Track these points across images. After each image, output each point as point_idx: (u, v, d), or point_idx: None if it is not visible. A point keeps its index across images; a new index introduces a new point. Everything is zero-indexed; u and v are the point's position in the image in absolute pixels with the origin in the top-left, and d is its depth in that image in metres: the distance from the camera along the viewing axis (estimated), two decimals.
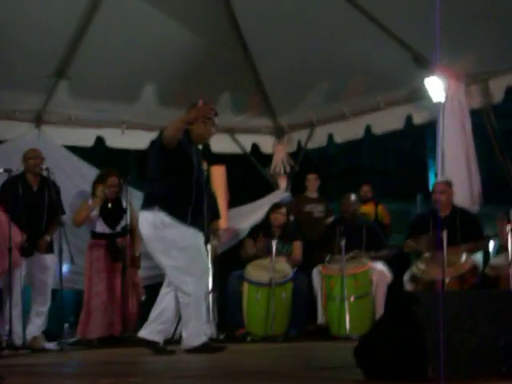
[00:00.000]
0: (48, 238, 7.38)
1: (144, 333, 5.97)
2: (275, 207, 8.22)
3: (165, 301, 5.95)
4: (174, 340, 6.94)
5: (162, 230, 5.75)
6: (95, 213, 7.55)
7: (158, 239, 5.81)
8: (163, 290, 6.00)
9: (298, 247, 8.11)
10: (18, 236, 6.88)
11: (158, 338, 5.94)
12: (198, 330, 5.86)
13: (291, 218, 8.87)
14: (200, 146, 6.21)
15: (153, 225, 5.78)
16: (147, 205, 5.84)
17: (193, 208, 5.81)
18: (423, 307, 3.55)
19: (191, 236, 5.82)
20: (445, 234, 6.74)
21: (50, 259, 7.44)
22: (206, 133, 6.03)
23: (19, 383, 4.31)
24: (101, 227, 7.61)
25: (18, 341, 7.05)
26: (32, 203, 7.28)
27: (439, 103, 7.74)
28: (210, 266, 6.73)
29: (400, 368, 3.50)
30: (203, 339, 5.89)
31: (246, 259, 8.00)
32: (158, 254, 5.87)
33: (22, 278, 7.25)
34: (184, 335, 5.91)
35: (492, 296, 3.98)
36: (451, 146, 7.60)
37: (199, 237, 5.90)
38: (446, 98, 7.63)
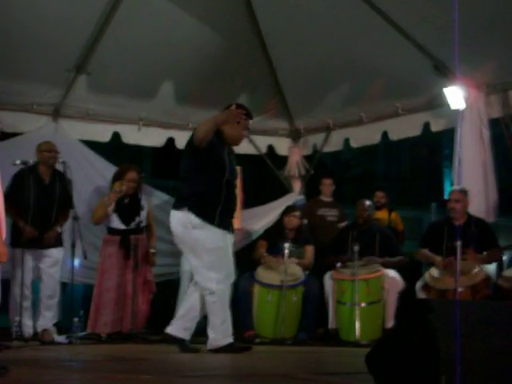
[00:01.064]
0: (58, 229, 7.39)
1: (171, 329, 6.06)
2: (289, 210, 8.22)
3: (192, 299, 6.04)
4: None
5: (190, 230, 5.84)
6: (111, 208, 7.54)
7: (186, 239, 5.92)
8: (191, 288, 6.10)
9: (309, 251, 8.10)
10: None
11: (184, 335, 6.03)
12: (225, 329, 5.92)
13: (305, 221, 8.86)
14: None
15: (182, 224, 5.87)
16: (178, 205, 5.94)
17: (221, 209, 5.88)
18: (437, 315, 3.53)
19: (218, 237, 5.89)
20: (459, 244, 6.71)
21: (58, 252, 7.46)
22: (237, 135, 6.09)
23: (27, 375, 4.31)
24: (116, 223, 7.61)
25: (28, 332, 7.07)
26: (43, 195, 7.30)
27: (458, 111, 7.71)
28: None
29: (413, 377, 3.48)
30: (229, 340, 5.93)
31: (258, 261, 7.98)
32: (187, 253, 6.05)
33: (31, 271, 7.29)
34: (210, 335, 5.94)
35: (506, 308, 3.95)
36: (469, 155, 7.57)
37: (226, 238, 5.97)
38: (466, 106, 7.60)
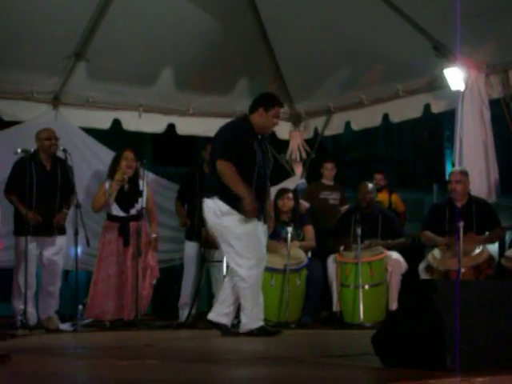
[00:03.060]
0: (66, 211, 7.39)
1: (212, 315, 6.22)
2: (282, 192, 8.14)
3: (229, 285, 6.16)
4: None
5: (221, 218, 5.94)
6: (112, 196, 7.53)
7: (217, 226, 6.02)
8: (229, 275, 6.25)
9: (310, 231, 8.06)
10: None
11: (225, 321, 6.17)
12: (256, 313, 6.05)
13: (307, 204, 8.85)
14: None
15: (213, 212, 5.98)
16: (209, 194, 6.03)
17: None
18: (441, 295, 3.54)
19: (248, 224, 5.94)
20: (461, 224, 6.72)
21: (61, 240, 7.46)
22: (268, 122, 6.11)
23: (33, 364, 4.32)
24: (115, 210, 7.60)
25: (32, 321, 7.09)
26: (45, 183, 7.29)
27: (458, 92, 7.70)
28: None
29: (418, 356, 3.49)
30: (260, 323, 6.06)
31: None
32: (220, 241, 6.11)
33: (35, 259, 7.29)
34: (243, 320, 6.09)
35: (510, 287, 3.96)
36: (469, 135, 7.56)
37: (257, 225, 6.03)
38: (466, 87, 7.60)
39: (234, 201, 5.88)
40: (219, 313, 6.19)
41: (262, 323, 6.08)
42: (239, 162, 5.89)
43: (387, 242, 7.74)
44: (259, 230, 6.05)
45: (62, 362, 4.50)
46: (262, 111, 6.03)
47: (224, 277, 7.59)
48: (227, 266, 7.59)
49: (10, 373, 3.85)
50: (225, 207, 5.91)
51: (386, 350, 3.68)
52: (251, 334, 5.98)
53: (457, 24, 6.19)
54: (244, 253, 5.94)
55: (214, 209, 5.96)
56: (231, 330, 6.19)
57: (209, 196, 6.02)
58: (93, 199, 7.76)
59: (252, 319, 6.03)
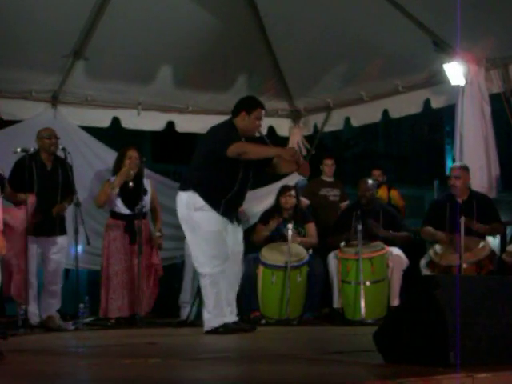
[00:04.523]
0: (66, 205, 7.37)
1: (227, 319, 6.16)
2: (284, 190, 8.14)
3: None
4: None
5: (193, 212, 5.98)
6: (116, 190, 7.52)
7: (187, 219, 6.06)
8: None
9: (312, 228, 8.06)
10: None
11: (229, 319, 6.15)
12: (218, 311, 6.03)
13: (307, 201, 8.84)
14: None
15: (186, 205, 6.03)
16: (185, 186, 6.08)
17: (227, 201, 6.00)
18: (443, 291, 3.54)
19: (219, 222, 6.00)
20: (462, 220, 6.72)
21: (62, 240, 7.45)
22: (251, 125, 6.13)
23: (35, 363, 4.32)
24: (120, 208, 7.60)
25: (34, 320, 7.08)
26: (46, 182, 7.29)
27: (458, 87, 7.68)
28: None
29: (421, 352, 3.48)
30: (222, 320, 6.02)
31: (258, 244, 7.95)
32: (187, 235, 6.15)
33: (36, 258, 7.27)
34: (204, 316, 6.11)
35: (511, 282, 3.95)
36: (470, 130, 7.55)
37: (228, 226, 6.09)
38: (466, 82, 7.58)
39: (208, 197, 5.94)
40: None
41: (224, 320, 6.06)
42: (226, 162, 5.90)
43: (389, 231, 7.73)
44: (228, 230, 6.10)
45: (64, 361, 4.49)
46: (244, 115, 6.08)
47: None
48: None
49: (12, 372, 3.84)
50: (199, 202, 5.94)
51: (388, 346, 3.68)
52: (215, 331, 5.98)
53: (457, 19, 6.18)
54: (209, 250, 5.99)
55: (187, 201, 6.00)
56: (241, 326, 6.30)
57: (184, 189, 6.07)
58: (96, 195, 7.75)
59: (214, 316, 6.03)
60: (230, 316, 6.17)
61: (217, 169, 5.96)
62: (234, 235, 6.23)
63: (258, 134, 9.31)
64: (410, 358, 3.52)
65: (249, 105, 6.14)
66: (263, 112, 6.20)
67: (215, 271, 5.98)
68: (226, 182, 5.98)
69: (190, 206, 5.98)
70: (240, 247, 6.39)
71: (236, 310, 6.36)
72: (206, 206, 5.93)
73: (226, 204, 6.00)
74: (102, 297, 7.54)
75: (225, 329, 5.97)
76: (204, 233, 5.96)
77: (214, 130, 6.22)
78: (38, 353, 5.04)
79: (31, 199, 6.94)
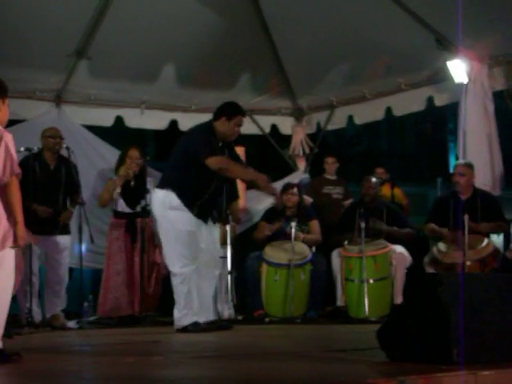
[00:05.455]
0: (72, 210, 7.39)
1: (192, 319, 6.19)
2: (287, 188, 8.15)
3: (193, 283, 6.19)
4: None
5: (167, 211, 6.09)
6: (118, 191, 7.54)
7: (161, 217, 6.20)
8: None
9: (315, 226, 8.06)
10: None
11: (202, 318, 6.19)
12: (187, 309, 6.10)
13: (310, 199, 8.84)
14: None
15: (161, 203, 6.14)
16: (162, 185, 6.21)
17: (202, 203, 6.11)
18: (447, 289, 3.54)
19: (192, 222, 6.10)
20: (466, 217, 6.72)
21: (65, 239, 7.46)
22: (229, 131, 6.24)
23: (40, 361, 4.33)
24: (122, 206, 7.61)
25: (37, 319, 7.09)
26: (49, 181, 7.30)
27: (461, 85, 7.68)
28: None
29: (424, 350, 3.49)
30: (192, 319, 6.09)
31: (261, 242, 7.95)
32: (160, 232, 6.28)
33: (38, 257, 7.29)
34: (175, 315, 6.17)
35: None
36: (473, 128, 7.54)
37: (200, 226, 6.17)
38: (469, 80, 7.57)
39: (184, 197, 6.04)
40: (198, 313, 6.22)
41: (195, 319, 6.10)
42: (203, 167, 5.98)
43: (393, 228, 7.73)
44: (202, 231, 6.17)
45: (68, 360, 4.50)
46: (224, 120, 6.18)
47: (229, 273, 7.64)
48: (231, 263, 7.65)
49: (17, 371, 3.86)
50: (175, 201, 6.05)
51: (392, 343, 3.69)
52: (185, 330, 6.04)
53: (459, 16, 6.18)
54: (181, 250, 6.08)
55: (163, 199, 6.11)
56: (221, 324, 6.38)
57: (161, 187, 6.20)
58: (99, 195, 7.78)
59: (184, 315, 6.09)
60: (206, 315, 6.23)
61: (194, 171, 6.06)
62: (210, 235, 6.31)
63: (260, 132, 9.43)
64: (414, 356, 3.52)
65: (230, 111, 6.24)
66: (243, 119, 6.31)
67: (185, 270, 6.07)
68: (201, 185, 6.09)
69: (165, 205, 6.09)
70: (217, 248, 6.54)
71: (214, 309, 6.51)
72: (181, 206, 6.04)
73: (201, 206, 6.10)
74: (101, 296, 7.53)
75: (194, 327, 6.03)
76: (177, 232, 6.06)
77: (195, 131, 6.37)
78: (42, 351, 5.06)
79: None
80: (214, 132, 6.18)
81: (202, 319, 6.13)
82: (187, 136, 6.41)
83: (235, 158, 6.39)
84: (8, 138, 4.09)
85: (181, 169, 6.14)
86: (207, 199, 6.11)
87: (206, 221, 6.20)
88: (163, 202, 6.11)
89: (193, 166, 6.06)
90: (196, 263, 6.13)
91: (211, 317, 6.31)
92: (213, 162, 5.96)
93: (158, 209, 6.19)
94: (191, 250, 6.09)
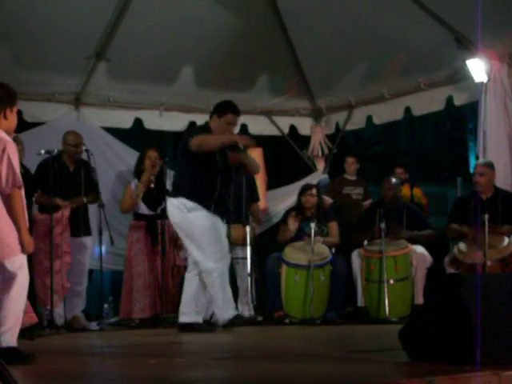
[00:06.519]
0: (84, 200, 7.39)
1: (183, 318, 6.33)
2: (305, 189, 8.13)
3: (192, 282, 6.33)
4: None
5: (186, 214, 6.18)
6: (139, 198, 7.57)
7: (182, 222, 6.26)
8: (190, 273, 6.38)
9: (334, 228, 8.04)
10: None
11: (197, 319, 6.33)
12: (226, 305, 6.25)
13: (330, 200, 8.83)
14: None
15: (178, 208, 6.22)
16: (174, 193, 6.32)
17: (215, 201, 6.20)
18: (468, 289, 3.52)
19: (212, 219, 6.20)
20: (486, 217, 6.68)
21: (87, 241, 7.48)
22: (219, 129, 6.30)
23: (61, 363, 4.35)
24: (142, 209, 7.63)
25: (59, 320, 7.11)
26: (69, 184, 7.32)
27: (481, 84, 7.63)
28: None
29: (446, 351, 3.47)
30: (232, 313, 6.24)
31: (284, 244, 7.93)
32: (184, 239, 6.36)
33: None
34: (216, 312, 6.35)
35: None
36: (493, 127, 7.49)
37: (220, 224, 6.30)
38: (489, 79, 7.53)
39: (198, 198, 6.15)
40: (191, 312, 6.31)
41: (234, 313, 6.25)
42: (205, 163, 6.14)
43: (413, 232, 7.70)
44: (221, 227, 6.32)
45: (90, 361, 4.52)
46: (215, 117, 6.30)
47: (248, 274, 7.63)
48: (251, 263, 7.63)
49: (39, 372, 3.87)
50: (190, 204, 6.15)
51: (414, 344, 3.67)
52: (231, 324, 6.16)
53: (478, 15, 6.14)
54: (209, 246, 6.15)
55: (178, 206, 6.20)
56: (205, 328, 6.35)
57: (174, 195, 6.29)
58: (120, 201, 7.81)
59: (225, 310, 6.23)
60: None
61: (196, 170, 6.18)
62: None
63: (279, 133, 9.41)
64: (436, 357, 3.51)
65: (220, 109, 6.33)
66: (236, 118, 6.37)
67: (219, 265, 6.15)
68: (208, 185, 6.18)
69: (182, 209, 6.18)
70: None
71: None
72: (198, 206, 6.15)
73: (216, 204, 6.20)
74: (122, 298, 7.56)
75: (235, 321, 6.21)
76: (200, 230, 6.14)
77: (190, 132, 6.62)
78: (64, 353, 5.08)
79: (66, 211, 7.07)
80: (209, 131, 6.27)
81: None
82: (183, 139, 6.48)
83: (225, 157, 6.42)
84: (11, 149, 4.15)
85: (185, 176, 6.25)
86: (218, 198, 6.21)
87: (223, 217, 6.32)
88: (179, 208, 6.19)
89: (193, 164, 6.18)
90: (227, 258, 6.30)
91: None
92: (192, 143, 6.07)
93: (177, 214, 6.25)
94: (218, 245, 6.20)
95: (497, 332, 3.46)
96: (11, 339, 4.11)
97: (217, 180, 6.18)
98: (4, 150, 4.10)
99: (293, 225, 7.91)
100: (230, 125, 6.31)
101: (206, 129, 6.31)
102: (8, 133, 4.28)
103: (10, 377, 2.79)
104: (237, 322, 6.14)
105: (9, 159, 4.11)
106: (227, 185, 6.33)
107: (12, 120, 4.34)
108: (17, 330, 4.17)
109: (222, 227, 6.33)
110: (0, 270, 4.11)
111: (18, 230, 4.17)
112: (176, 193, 6.28)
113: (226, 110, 6.29)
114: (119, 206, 7.82)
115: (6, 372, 2.80)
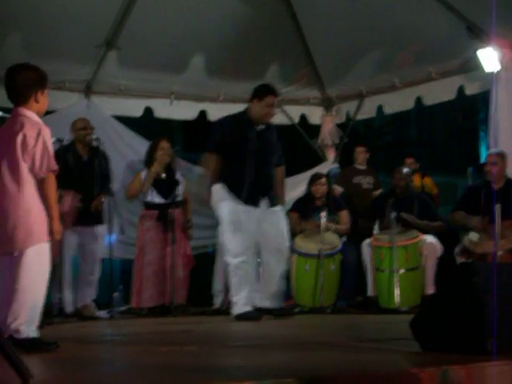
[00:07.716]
0: (103, 199, 7.39)
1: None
2: (315, 178, 8.13)
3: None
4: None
5: (217, 203, 6.43)
6: (146, 186, 7.57)
7: (215, 212, 6.50)
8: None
9: (345, 216, 8.04)
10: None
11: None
12: (239, 299, 6.34)
13: (340, 189, 8.81)
14: None
15: (212, 198, 6.45)
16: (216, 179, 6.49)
17: (248, 187, 6.36)
18: (480, 278, 3.51)
19: (239, 211, 6.33)
20: (498, 207, 6.65)
21: (100, 229, 7.48)
22: (261, 112, 6.51)
23: (72, 351, 4.35)
24: (153, 197, 7.63)
25: (68, 309, 7.13)
26: (83, 173, 7.31)
27: (492, 74, 7.59)
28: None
29: (458, 340, 3.46)
30: (245, 308, 6.30)
31: (294, 234, 7.93)
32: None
33: (72, 248, 7.31)
34: (232, 303, 6.44)
35: None
36: (505, 117, 7.45)
37: (252, 214, 6.37)
38: (500, 68, 7.48)
39: (230, 186, 6.35)
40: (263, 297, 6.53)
41: (247, 308, 6.31)
42: (228, 152, 6.35)
43: (424, 221, 7.68)
44: (251, 218, 6.35)
45: (101, 349, 4.53)
46: (256, 101, 6.49)
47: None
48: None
49: (51, 359, 3.88)
50: (222, 194, 6.39)
51: (425, 334, 3.66)
52: (238, 318, 6.25)
53: (491, 4, 6.09)
54: (228, 242, 6.38)
55: (214, 194, 6.44)
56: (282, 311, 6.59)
57: (213, 184, 6.51)
58: (127, 186, 7.80)
59: (234, 303, 6.38)
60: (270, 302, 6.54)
61: (225, 159, 6.40)
62: (272, 225, 6.52)
63: (289, 122, 9.40)
64: (448, 346, 3.50)
65: (260, 92, 6.52)
66: (275, 99, 6.56)
67: (237, 261, 6.32)
68: (237, 170, 6.36)
69: (215, 198, 6.42)
70: (281, 240, 6.63)
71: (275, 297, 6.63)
72: (229, 196, 6.34)
73: (249, 191, 6.34)
74: (133, 286, 7.57)
75: (247, 316, 6.23)
76: (226, 223, 6.35)
77: (214, 124, 6.96)
78: (74, 340, 5.08)
79: (68, 200, 7.02)
80: (247, 117, 6.47)
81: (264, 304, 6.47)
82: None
83: (273, 143, 6.66)
84: (46, 132, 4.14)
85: (221, 163, 6.44)
86: (250, 184, 6.36)
87: (256, 204, 6.39)
88: (214, 197, 6.44)
89: (223, 157, 6.41)
90: (246, 255, 6.37)
91: (269, 304, 6.56)
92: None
93: (212, 203, 6.48)
94: (237, 243, 6.33)
95: (509, 321, 3.45)
96: (30, 330, 4.05)
97: (245, 166, 6.36)
98: (39, 133, 4.10)
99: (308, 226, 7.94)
100: (270, 106, 6.47)
101: (241, 116, 6.55)
102: (39, 115, 4.27)
103: (21, 364, 2.80)
104: (245, 317, 6.21)
105: (44, 143, 4.10)
106: (263, 169, 6.48)
107: (43, 103, 4.33)
108: (36, 320, 4.11)
109: (251, 218, 6.37)
110: (16, 260, 4.04)
111: (50, 216, 4.12)
112: (217, 179, 6.48)
113: (265, 92, 6.50)
114: (125, 192, 7.82)
115: (18, 360, 2.81)
